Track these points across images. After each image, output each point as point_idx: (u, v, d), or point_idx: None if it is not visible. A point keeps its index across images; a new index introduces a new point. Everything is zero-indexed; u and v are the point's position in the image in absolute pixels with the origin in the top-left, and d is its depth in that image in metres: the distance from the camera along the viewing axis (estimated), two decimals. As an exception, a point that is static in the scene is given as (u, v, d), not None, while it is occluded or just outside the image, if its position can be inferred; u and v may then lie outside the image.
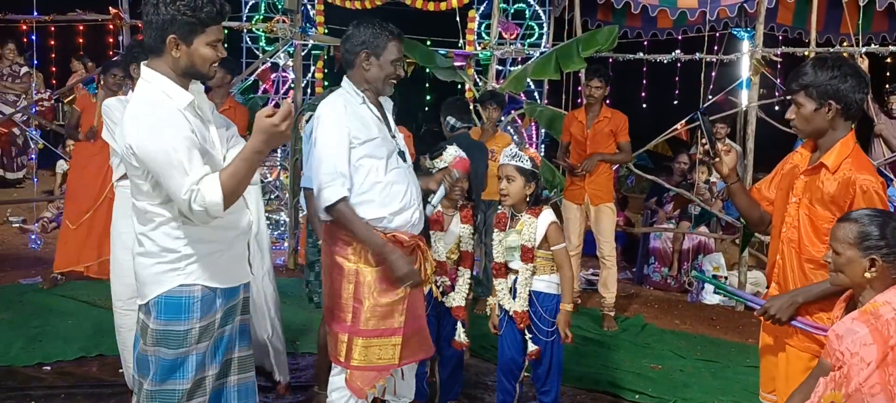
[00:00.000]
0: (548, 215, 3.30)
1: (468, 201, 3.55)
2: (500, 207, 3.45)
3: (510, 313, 3.32)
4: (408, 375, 3.21)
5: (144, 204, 2.35)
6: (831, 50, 6.42)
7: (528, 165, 3.27)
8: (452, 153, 3.49)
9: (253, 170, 2.35)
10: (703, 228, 6.89)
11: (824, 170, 2.50)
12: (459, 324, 3.54)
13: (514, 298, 3.32)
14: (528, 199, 3.31)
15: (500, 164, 3.36)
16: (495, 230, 3.40)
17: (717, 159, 2.75)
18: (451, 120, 4.67)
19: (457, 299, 3.54)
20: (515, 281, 3.33)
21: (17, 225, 7.61)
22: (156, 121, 2.24)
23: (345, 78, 2.99)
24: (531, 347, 3.30)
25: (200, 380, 2.43)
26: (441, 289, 3.52)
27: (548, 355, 3.34)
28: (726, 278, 6.31)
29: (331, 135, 2.83)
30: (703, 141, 2.69)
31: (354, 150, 2.84)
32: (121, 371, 4.00)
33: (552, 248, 3.29)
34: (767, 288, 2.79)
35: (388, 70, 2.90)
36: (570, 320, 3.31)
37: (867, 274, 2.19)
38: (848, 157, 2.48)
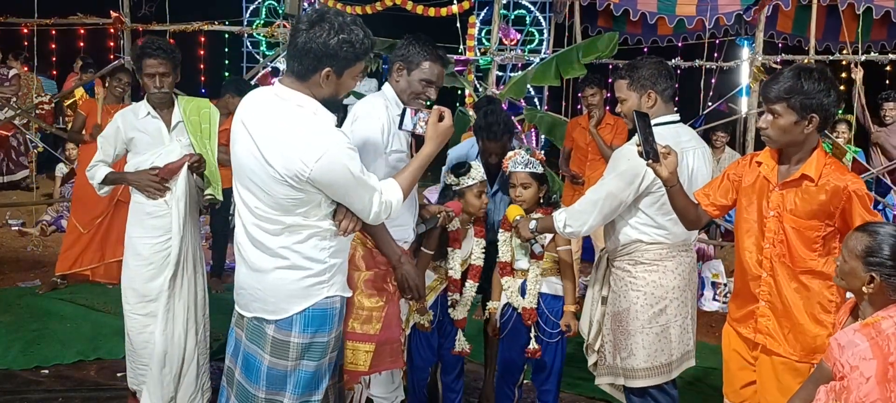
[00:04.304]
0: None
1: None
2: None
3: (519, 310, 3.33)
4: (391, 377, 3.21)
5: (297, 218, 2.28)
6: (831, 58, 6.43)
7: (541, 170, 3.33)
8: (477, 171, 3.40)
9: (421, 174, 2.51)
10: (702, 235, 6.89)
11: (807, 181, 2.48)
12: (460, 332, 3.53)
13: (523, 296, 3.33)
14: (540, 200, 3.36)
15: (511, 171, 3.35)
16: (501, 230, 3.40)
17: (650, 161, 2.56)
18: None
19: (461, 312, 3.52)
20: (525, 281, 3.35)
21: (17, 228, 7.60)
22: (331, 143, 2.20)
23: (386, 84, 3.02)
24: (533, 345, 3.32)
25: (327, 390, 2.47)
26: (450, 304, 3.50)
27: (550, 356, 3.37)
28: (726, 284, 6.31)
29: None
30: (637, 142, 2.58)
31: (390, 157, 2.86)
32: (119, 374, 4.00)
33: (559, 249, 3.32)
34: (731, 296, 2.71)
35: (416, 88, 2.92)
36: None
37: (865, 289, 2.18)
38: (826, 165, 2.48)
